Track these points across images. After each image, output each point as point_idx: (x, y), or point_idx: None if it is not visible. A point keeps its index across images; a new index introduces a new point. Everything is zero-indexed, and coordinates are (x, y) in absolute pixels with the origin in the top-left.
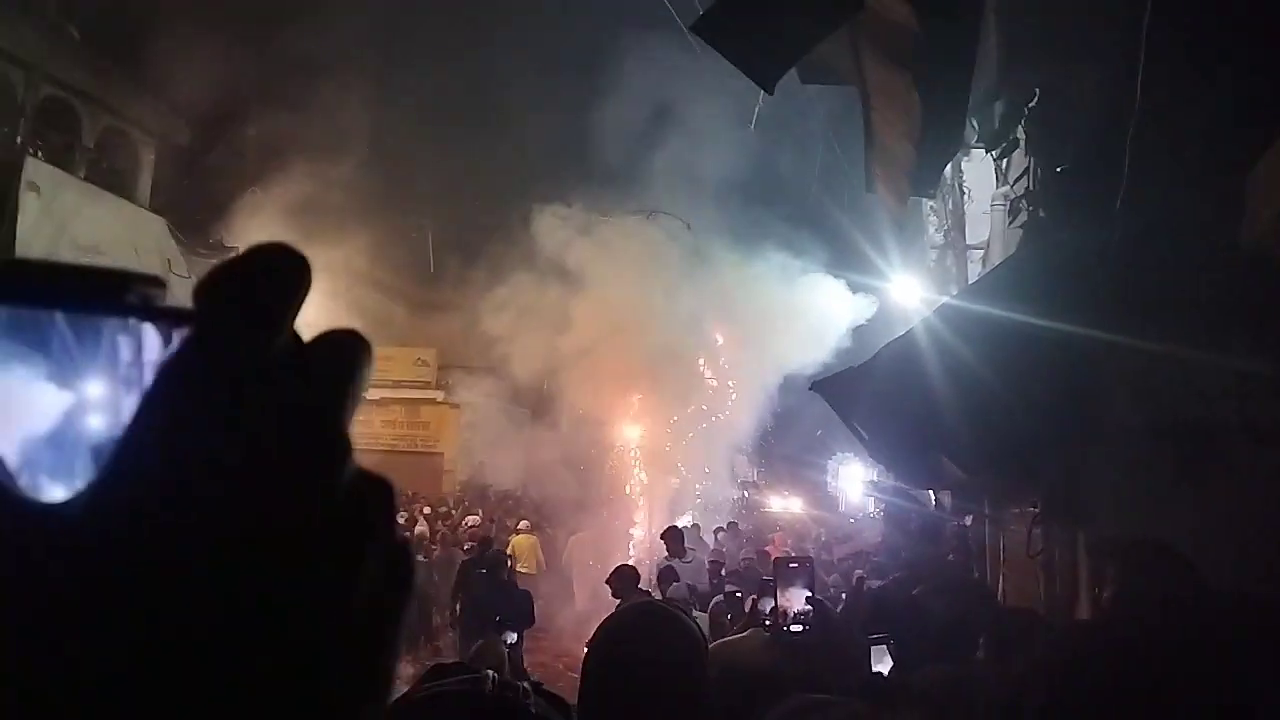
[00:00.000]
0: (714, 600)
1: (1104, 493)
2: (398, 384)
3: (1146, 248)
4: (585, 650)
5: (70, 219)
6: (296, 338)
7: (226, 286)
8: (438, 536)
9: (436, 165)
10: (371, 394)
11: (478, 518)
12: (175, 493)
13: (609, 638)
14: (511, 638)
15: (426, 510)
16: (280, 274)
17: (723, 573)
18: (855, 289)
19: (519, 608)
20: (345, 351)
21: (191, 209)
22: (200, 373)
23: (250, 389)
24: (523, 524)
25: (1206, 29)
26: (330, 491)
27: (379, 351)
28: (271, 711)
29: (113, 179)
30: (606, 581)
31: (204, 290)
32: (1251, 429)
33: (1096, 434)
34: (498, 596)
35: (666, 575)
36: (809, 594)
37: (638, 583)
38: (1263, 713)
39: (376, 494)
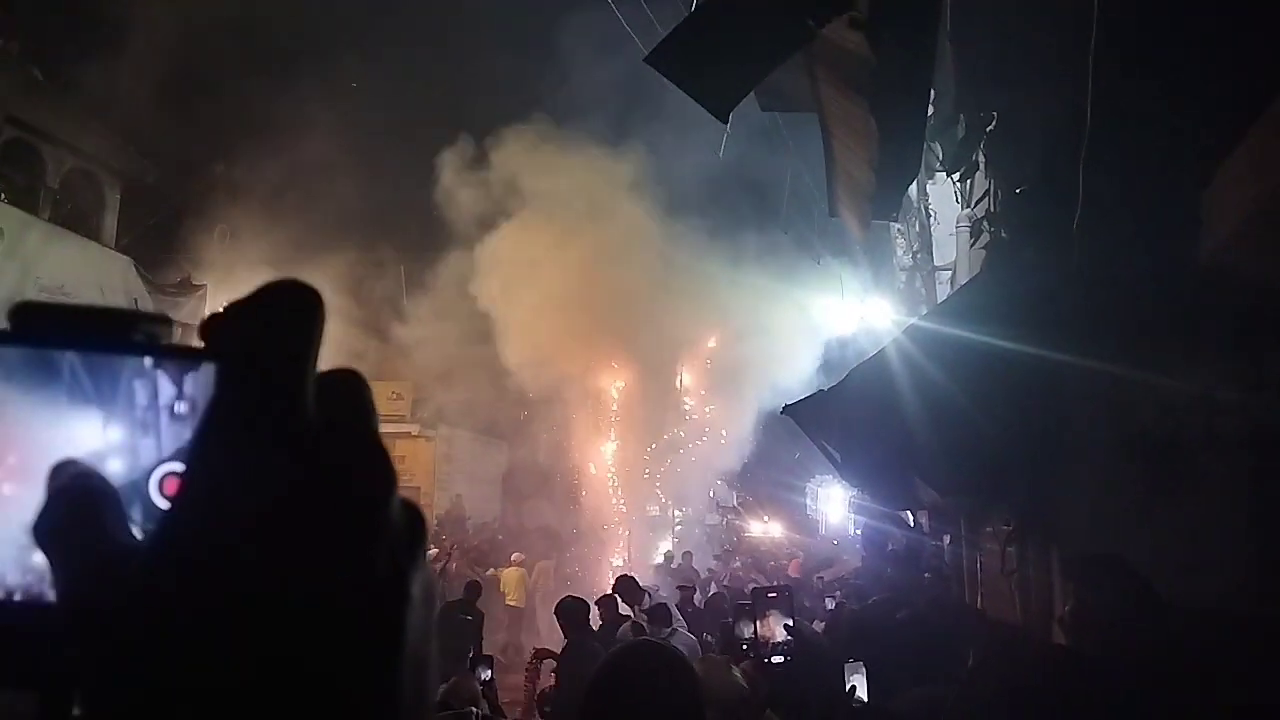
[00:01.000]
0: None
1: (1075, 509)
2: None
3: (1106, 265)
4: (569, 683)
5: (35, 260)
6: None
7: (251, 329)
8: None
9: (411, 197)
10: None
11: (434, 551)
12: (224, 554)
13: (611, 676)
14: (486, 674)
15: None
16: (304, 313)
17: (694, 599)
18: (827, 311)
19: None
20: (359, 392)
21: (159, 248)
22: (246, 427)
23: (291, 444)
24: (515, 556)
25: (1157, 49)
26: (385, 536)
27: None
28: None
29: (78, 219)
30: (555, 613)
31: (224, 332)
32: (1217, 441)
33: (1065, 451)
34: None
35: (659, 614)
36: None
37: (588, 615)
38: None
39: (417, 525)
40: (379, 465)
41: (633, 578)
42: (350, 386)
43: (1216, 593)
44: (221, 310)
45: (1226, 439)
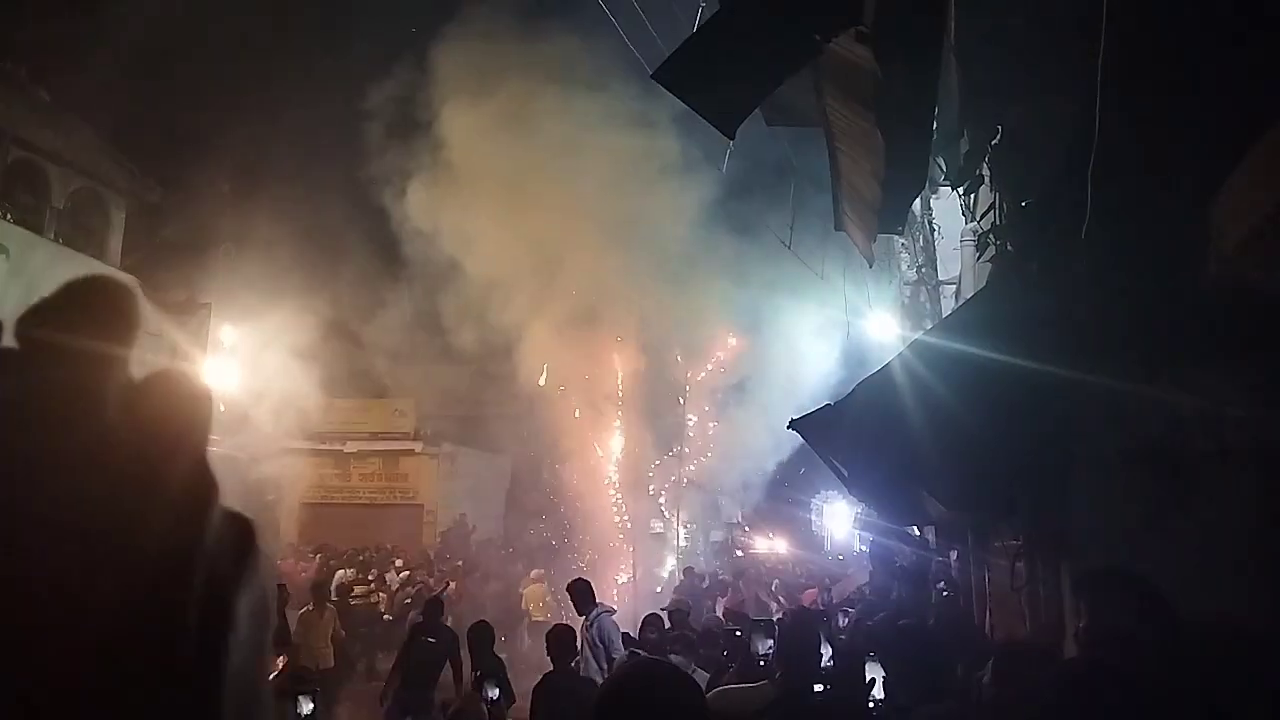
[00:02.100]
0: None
1: (1084, 524)
2: (376, 436)
3: (1113, 279)
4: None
5: (40, 279)
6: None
7: (58, 320)
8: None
9: (414, 217)
10: (349, 446)
11: (407, 573)
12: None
13: (617, 694)
14: (493, 693)
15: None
16: (110, 306)
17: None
18: (833, 325)
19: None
20: (185, 398)
21: (163, 267)
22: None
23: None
24: (535, 572)
25: (1165, 60)
26: (195, 541)
27: (356, 403)
28: None
29: (83, 238)
30: (546, 639)
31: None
32: (1226, 455)
33: (1074, 465)
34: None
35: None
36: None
37: (575, 643)
38: None
39: (242, 537)
40: (193, 474)
41: (586, 581)
42: (180, 393)
43: (1225, 608)
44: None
45: (1236, 453)
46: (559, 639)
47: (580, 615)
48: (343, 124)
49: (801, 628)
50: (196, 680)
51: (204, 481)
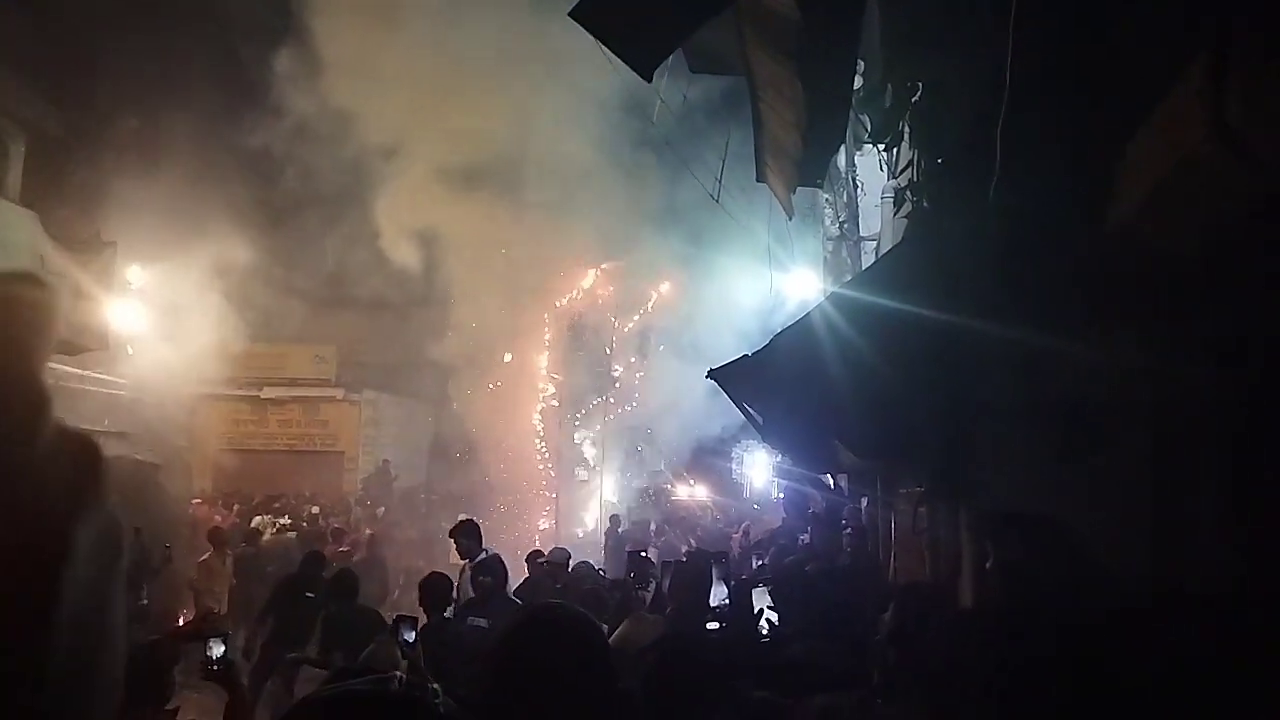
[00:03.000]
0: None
1: (984, 471)
2: (295, 382)
3: (1021, 232)
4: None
5: None
6: None
7: None
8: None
9: (333, 156)
10: (268, 392)
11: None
12: None
13: (510, 642)
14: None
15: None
16: None
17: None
18: (755, 279)
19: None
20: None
21: (67, 203)
22: None
23: None
24: (462, 517)
25: (1077, 20)
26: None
27: (275, 349)
28: None
29: None
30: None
31: None
32: (1123, 408)
33: (977, 416)
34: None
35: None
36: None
37: (449, 592)
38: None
39: (85, 457)
40: (17, 389)
41: (473, 522)
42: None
43: (1118, 559)
44: None
45: (1132, 406)
46: (432, 589)
47: (464, 560)
48: (263, 48)
49: (692, 568)
50: (17, 619)
51: (30, 398)
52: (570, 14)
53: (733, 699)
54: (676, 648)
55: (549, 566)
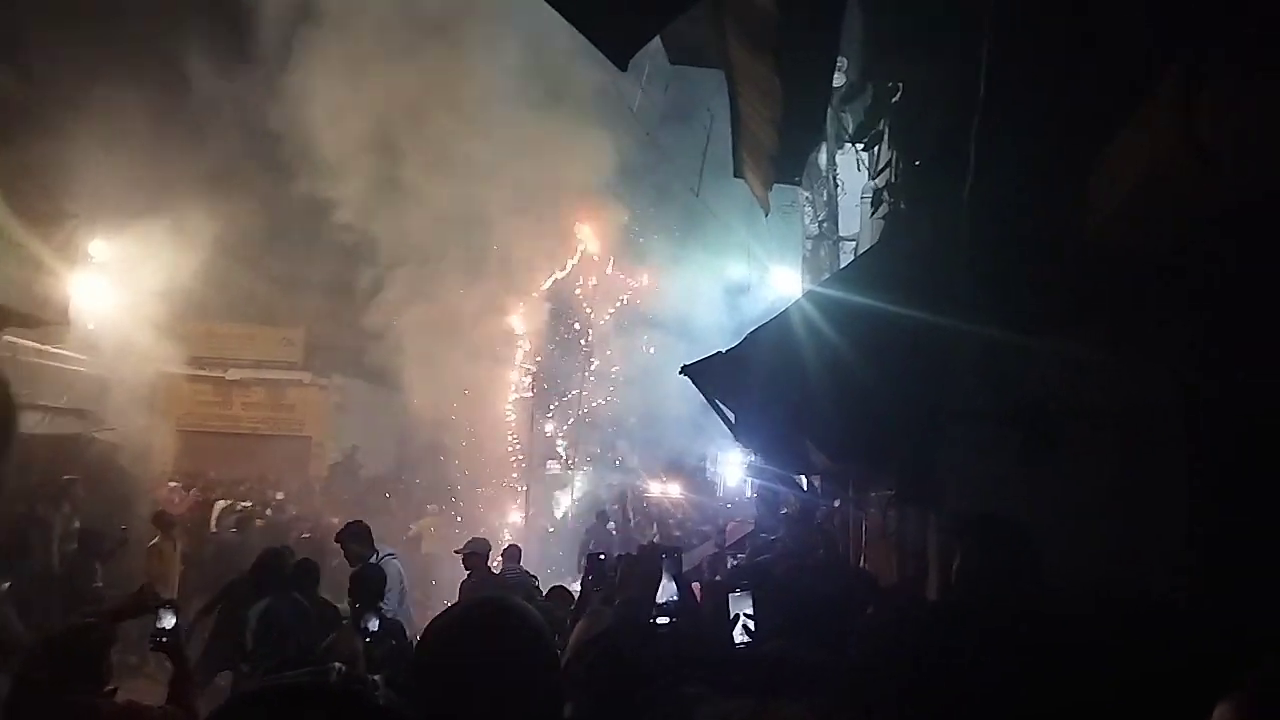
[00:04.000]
0: None
1: (952, 475)
2: (260, 364)
3: (994, 235)
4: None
5: None
6: None
7: None
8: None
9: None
10: (231, 373)
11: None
12: None
13: (441, 637)
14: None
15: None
16: None
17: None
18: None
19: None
20: None
21: (27, 174)
22: None
23: None
24: (430, 506)
25: (1053, 22)
26: None
27: (241, 329)
28: None
29: None
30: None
31: None
32: (1087, 413)
33: (946, 418)
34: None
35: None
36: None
37: (382, 586)
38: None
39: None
40: None
41: (374, 569)
42: None
43: (1082, 565)
44: None
45: (1097, 412)
46: (363, 582)
47: (353, 567)
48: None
49: (644, 560)
50: None
51: None
52: None
53: (670, 695)
54: (616, 641)
55: (471, 558)
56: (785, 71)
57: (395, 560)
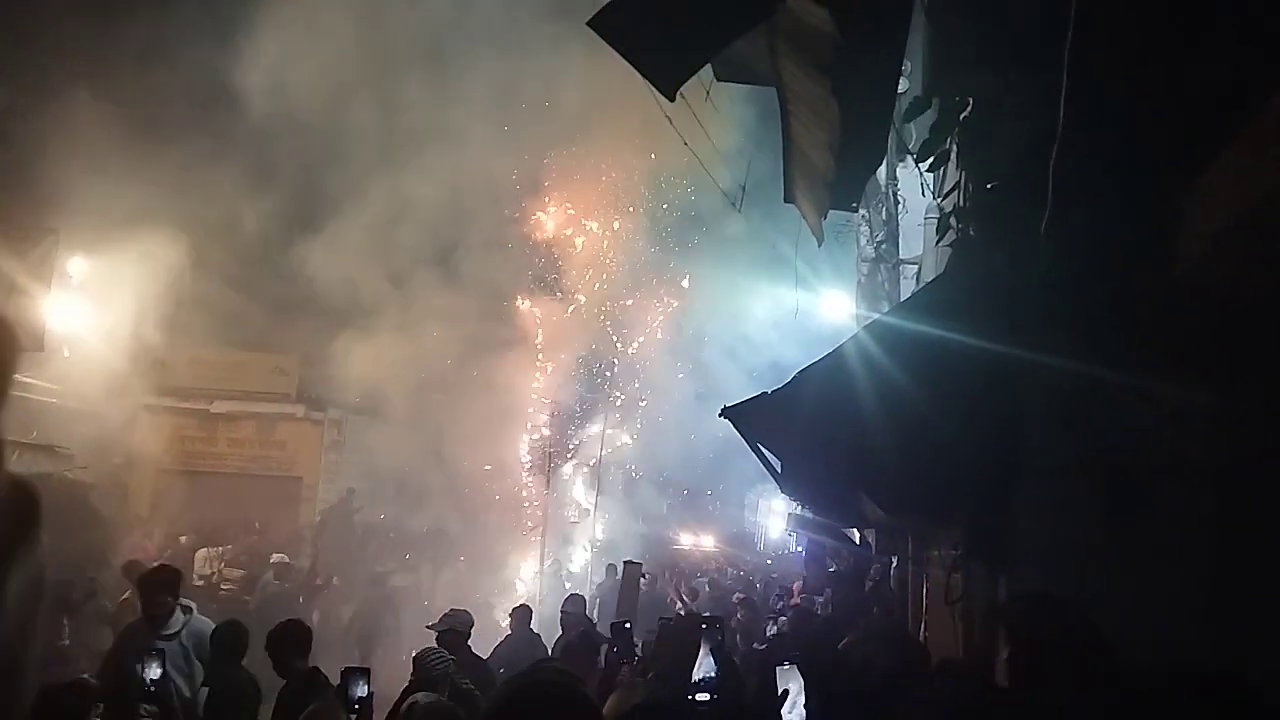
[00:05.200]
0: None
1: (1026, 535)
2: (250, 395)
3: (1076, 271)
4: None
5: None
6: None
7: None
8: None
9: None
10: (217, 406)
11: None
12: None
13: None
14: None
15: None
16: None
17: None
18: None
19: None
20: None
21: (3, 189)
22: None
23: None
24: None
25: (1141, 40)
26: None
27: (229, 357)
28: None
29: None
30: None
31: None
32: (1182, 470)
33: (1021, 470)
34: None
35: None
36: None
37: (309, 641)
38: None
39: (22, 507)
40: None
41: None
42: None
43: (1170, 637)
44: None
45: (1193, 469)
46: (288, 637)
47: (152, 620)
48: (217, 23)
49: (679, 630)
50: None
51: None
52: (589, 23)
53: None
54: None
55: (447, 635)
56: (842, 94)
57: (199, 620)
